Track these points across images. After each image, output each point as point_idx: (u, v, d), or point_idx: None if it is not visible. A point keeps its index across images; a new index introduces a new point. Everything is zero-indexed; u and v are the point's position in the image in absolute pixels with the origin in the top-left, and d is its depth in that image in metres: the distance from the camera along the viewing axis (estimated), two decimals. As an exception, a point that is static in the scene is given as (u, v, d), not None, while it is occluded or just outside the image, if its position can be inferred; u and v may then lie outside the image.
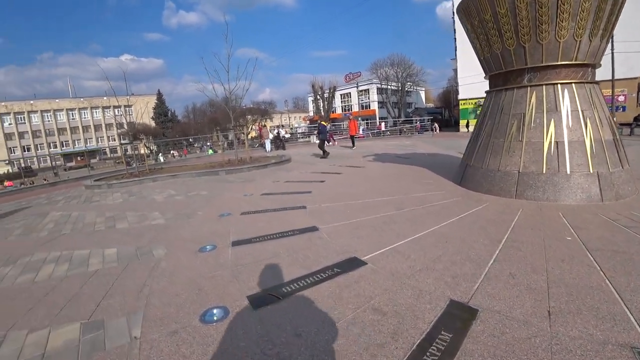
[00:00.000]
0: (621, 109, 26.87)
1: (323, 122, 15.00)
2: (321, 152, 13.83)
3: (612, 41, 25.54)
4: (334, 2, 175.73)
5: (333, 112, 50.16)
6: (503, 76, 6.20)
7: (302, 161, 13.09)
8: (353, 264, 3.28)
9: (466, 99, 41.37)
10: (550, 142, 5.52)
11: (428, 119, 32.61)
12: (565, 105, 5.60)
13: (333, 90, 47.10)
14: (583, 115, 5.52)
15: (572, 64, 5.53)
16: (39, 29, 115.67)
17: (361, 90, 57.23)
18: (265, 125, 23.94)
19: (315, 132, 17.94)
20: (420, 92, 69.94)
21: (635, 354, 1.87)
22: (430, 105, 74.65)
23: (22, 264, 4.24)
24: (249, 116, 44.80)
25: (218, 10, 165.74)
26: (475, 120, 37.55)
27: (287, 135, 20.80)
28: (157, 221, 5.64)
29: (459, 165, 7.54)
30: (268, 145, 19.16)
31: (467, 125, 37.90)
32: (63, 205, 8.56)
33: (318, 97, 46.45)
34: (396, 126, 33.99)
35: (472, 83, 38.89)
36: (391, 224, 4.43)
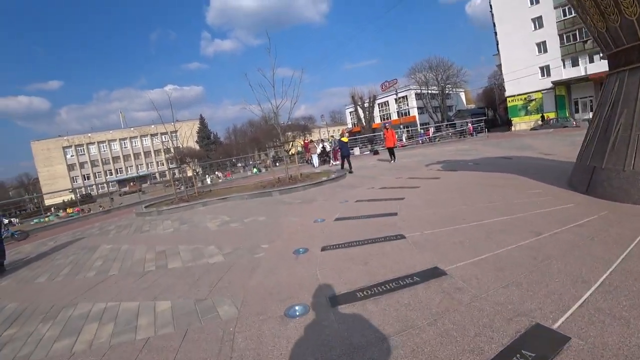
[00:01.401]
0: None
1: (343, 139, 13.94)
2: (349, 168, 13.00)
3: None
4: (360, 14, 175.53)
5: (373, 122, 48.88)
6: (638, 49, 4.64)
7: (359, 175, 11.85)
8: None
9: (514, 95, 38.36)
10: None
11: (478, 121, 30.08)
12: None
13: (373, 99, 45.91)
14: None
15: None
16: (95, 69, 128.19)
17: (399, 98, 55.42)
18: (312, 140, 23.10)
19: (338, 148, 16.15)
20: (460, 93, 66.71)
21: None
22: (472, 106, 70.73)
23: (62, 320, 3.50)
24: (289, 133, 44.83)
25: (250, 35, 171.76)
26: (528, 116, 34.80)
27: (319, 150, 19.74)
28: (215, 259, 4.66)
29: (575, 168, 6.00)
30: (316, 161, 18.20)
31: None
32: (114, 236, 8.04)
33: (358, 107, 45.40)
34: (441, 131, 31.90)
35: (519, 78, 36.15)
36: (550, 261, 3.01)
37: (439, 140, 27.99)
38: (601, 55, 31.01)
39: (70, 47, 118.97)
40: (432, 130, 30.97)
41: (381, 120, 58.26)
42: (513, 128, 37.91)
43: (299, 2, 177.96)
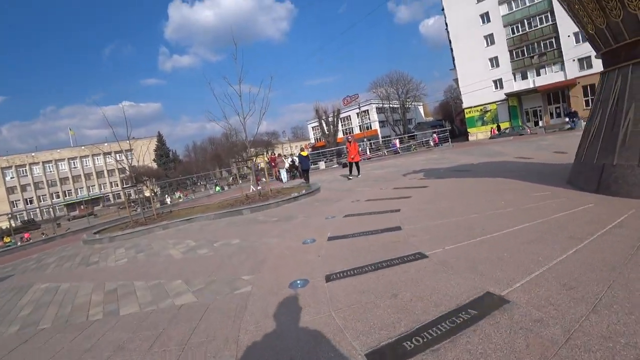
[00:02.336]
0: None
1: (303, 153, 14.88)
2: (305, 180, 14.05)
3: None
4: (319, 33, 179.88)
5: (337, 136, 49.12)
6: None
7: (334, 189, 11.12)
8: None
9: (471, 107, 40.42)
10: None
11: (443, 131, 31.22)
12: None
13: (337, 113, 46.21)
14: None
15: None
16: (41, 84, 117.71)
17: (362, 112, 56.50)
18: (279, 154, 22.17)
19: (297, 162, 16.54)
20: (419, 107, 69.61)
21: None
22: (430, 118, 74.00)
23: None
24: (252, 149, 43.60)
25: (210, 51, 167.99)
26: (484, 126, 36.58)
27: (287, 165, 19.02)
28: (183, 298, 3.59)
29: (575, 168, 5.77)
30: (284, 176, 17.27)
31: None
32: (53, 272, 6.56)
33: (322, 121, 45.39)
34: (403, 143, 32.66)
35: (475, 90, 38.20)
36: (621, 271, 2.40)
37: (414, 150, 28.30)
38: (546, 69, 33.64)
39: (13, 60, 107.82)
40: (398, 142, 31.37)
41: (344, 135, 58.97)
42: (471, 138, 39.77)
43: (259, 20, 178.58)
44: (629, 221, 3.58)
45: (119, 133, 10.98)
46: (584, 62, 30.77)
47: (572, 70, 31.68)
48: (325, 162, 28.86)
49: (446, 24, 41.64)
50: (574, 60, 31.35)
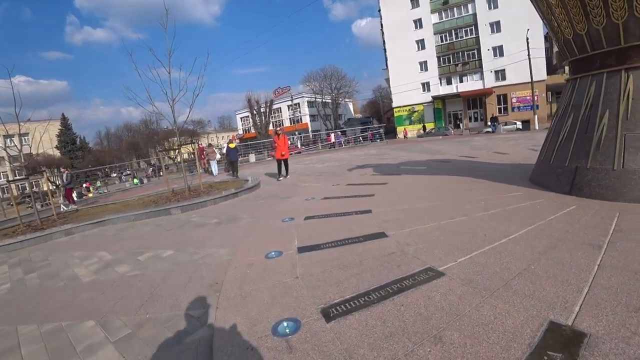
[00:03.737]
0: (536, 106, 29.57)
1: (231, 145, 14.03)
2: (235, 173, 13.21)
3: (528, 48, 28.14)
4: (254, 19, 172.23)
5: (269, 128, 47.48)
6: (617, 54, 4.61)
7: (274, 184, 10.10)
8: None
9: (400, 107, 42.67)
10: None
11: (379, 127, 32.28)
12: None
13: (270, 103, 44.53)
14: None
15: None
16: None
17: (293, 104, 55.65)
18: (210, 144, 20.00)
19: (225, 154, 15.72)
20: (349, 103, 71.58)
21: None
22: (359, 115, 76.86)
23: None
24: (174, 138, 39.56)
25: (130, 26, 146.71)
26: (412, 125, 39.21)
27: (219, 156, 17.44)
28: (99, 357, 2.34)
29: (540, 169, 5.88)
30: (215, 168, 15.51)
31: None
32: None
33: (255, 112, 43.27)
34: (346, 136, 33.05)
35: (405, 91, 40.40)
36: None
37: (330, 148, 28.41)
38: (468, 77, 36.99)
39: None
40: (333, 136, 31.38)
41: (273, 127, 57.76)
42: (400, 136, 42.02)
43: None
44: (626, 225, 3.50)
45: (10, 113, 8.29)
46: (499, 74, 34.93)
47: (489, 80, 35.54)
48: (255, 155, 27.50)
49: (382, 25, 43.11)
50: (491, 71, 35.20)
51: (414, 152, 15.75)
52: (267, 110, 43.86)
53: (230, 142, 14.86)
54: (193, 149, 12.37)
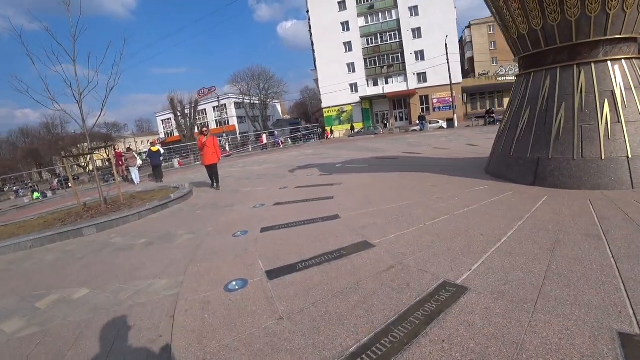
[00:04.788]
0: (455, 106, 32.51)
1: (153, 149, 13.31)
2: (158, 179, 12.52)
3: (447, 53, 30.79)
4: (173, 15, 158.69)
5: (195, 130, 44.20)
6: (569, 50, 4.85)
7: (209, 190, 8.82)
8: None
9: (329, 107, 43.31)
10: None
11: (313, 127, 32.27)
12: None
13: (195, 104, 41.34)
14: None
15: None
16: None
17: (220, 105, 52.84)
18: (129, 149, 17.35)
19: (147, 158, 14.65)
20: (277, 104, 70.78)
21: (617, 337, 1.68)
22: (287, 116, 76.60)
23: None
24: (85, 143, 34.25)
25: (22, 14, 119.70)
26: (341, 125, 40.17)
27: (140, 162, 15.43)
28: None
29: (498, 161, 5.93)
30: (137, 176, 13.39)
31: (332, 131, 39.48)
32: None
33: (178, 114, 39.67)
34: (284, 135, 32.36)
35: (334, 92, 41.13)
36: None
37: (261, 149, 27.60)
38: (393, 79, 39.06)
39: None
40: (265, 137, 30.29)
41: (199, 129, 54.22)
42: (330, 136, 42.53)
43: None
44: (606, 212, 3.55)
45: None
46: (421, 77, 37.69)
47: (413, 82, 38.05)
48: (180, 159, 25.10)
49: (310, 26, 43.20)
50: (414, 74, 37.72)
51: (352, 150, 15.66)
52: (192, 111, 40.70)
53: (153, 145, 13.82)
54: (109, 155, 10.37)
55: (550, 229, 3.25)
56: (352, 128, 40.05)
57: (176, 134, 46.69)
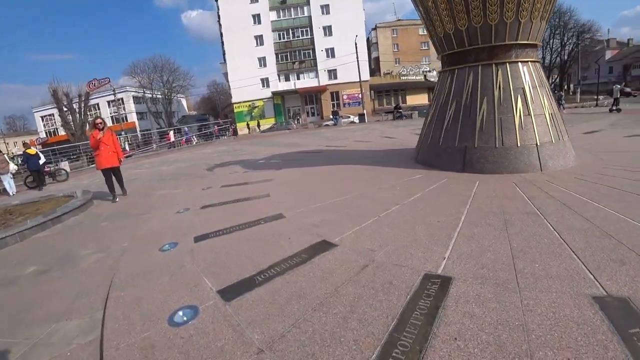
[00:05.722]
0: (363, 103, 34.64)
1: (29, 151, 11.59)
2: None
3: (357, 51, 32.45)
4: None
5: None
6: (488, 50, 5.42)
7: (112, 196, 7.51)
8: None
9: (240, 102, 41.83)
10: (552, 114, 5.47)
11: (225, 123, 30.65)
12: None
13: (86, 97, 34.99)
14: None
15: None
16: None
17: (117, 100, 46.40)
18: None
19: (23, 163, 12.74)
20: (182, 99, 65.69)
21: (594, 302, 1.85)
22: (194, 112, 71.90)
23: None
24: None
25: None
26: (253, 121, 39.26)
27: (14, 167, 12.68)
28: None
29: (427, 151, 6.34)
30: (11, 185, 10.66)
31: (248, 127, 38.28)
32: None
33: (65, 108, 32.98)
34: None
35: (245, 86, 39.84)
36: None
37: (166, 147, 25.42)
38: (305, 75, 39.52)
39: None
40: (172, 135, 27.68)
41: (90, 127, 46.81)
42: (241, 132, 41.10)
43: None
44: (534, 192, 3.92)
45: None
46: (332, 73, 39.08)
47: (323, 79, 39.14)
48: (69, 162, 21.24)
49: (219, 17, 40.83)
50: (325, 70, 38.84)
51: (271, 146, 15.18)
52: (83, 105, 34.40)
53: (28, 147, 11.79)
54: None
55: (495, 211, 3.47)
56: (248, 126, 38.92)
57: (62, 132, 39.44)
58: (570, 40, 47.45)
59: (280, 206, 4.56)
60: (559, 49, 48.42)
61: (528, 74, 5.30)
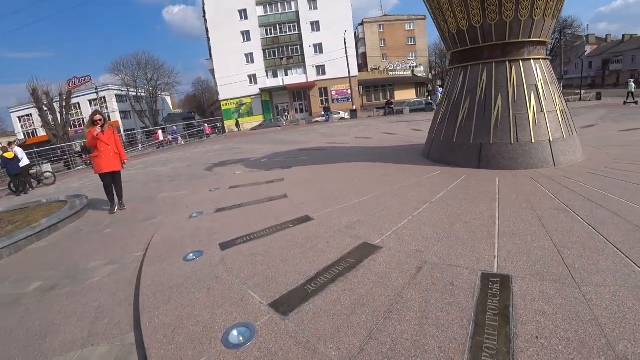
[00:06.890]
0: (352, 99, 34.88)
1: (7, 154, 11.14)
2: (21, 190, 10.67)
3: (346, 47, 32.49)
4: None
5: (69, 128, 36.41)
6: (502, 47, 5.50)
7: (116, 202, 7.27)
8: None
9: (228, 99, 41.37)
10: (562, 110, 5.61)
11: (215, 121, 30.38)
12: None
13: (68, 96, 33.72)
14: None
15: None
16: None
17: (96, 99, 45.06)
18: None
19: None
20: (166, 97, 64.39)
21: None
22: (179, 110, 70.66)
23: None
24: None
25: None
26: (241, 118, 38.88)
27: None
28: None
29: (440, 147, 6.38)
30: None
31: (237, 125, 38.03)
32: None
33: (45, 108, 31.66)
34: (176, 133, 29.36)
35: (232, 83, 39.36)
36: None
37: (154, 147, 25.01)
38: (293, 71, 39.28)
39: None
40: (161, 134, 27.07)
41: (71, 128, 45.31)
42: (238, 129, 40.71)
43: None
44: (555, 188, 4.03)
45: None
46: (320, 69, 39.01)
47: (312, 75, 39.08)
48: (52, 165, 20.50)
49: (204, 11, 40.13)
50: (313, 66, 38.80)
51: (267, 144, 15.07)
52: (65, 104, 33.14)
53: (6, 150, 11.25)
54: None
55: (525, 207, 3.56)
56: (237, 124, 38.77)
57: (41, 133, 38.13)
58: (553, 36, 48.73)
59: (304, 207, 4.53)
60: (541, 44, 49.53)
61: (540, 71, 5.44)
